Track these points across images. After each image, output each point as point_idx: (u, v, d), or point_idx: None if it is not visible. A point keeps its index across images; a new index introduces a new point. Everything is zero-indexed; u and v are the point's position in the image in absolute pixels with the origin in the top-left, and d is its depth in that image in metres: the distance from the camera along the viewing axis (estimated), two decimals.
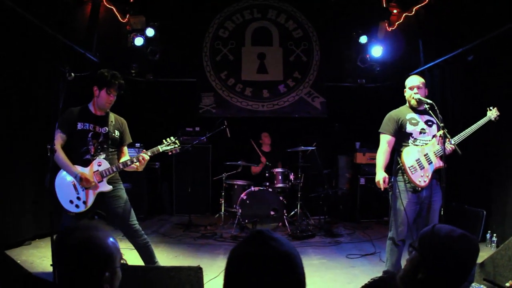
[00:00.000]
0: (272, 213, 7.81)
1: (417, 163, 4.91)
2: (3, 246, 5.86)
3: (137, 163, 4.76)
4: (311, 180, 9.33)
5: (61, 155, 4.53)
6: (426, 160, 4.93)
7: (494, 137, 6.80)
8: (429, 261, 2.04)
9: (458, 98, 7.84)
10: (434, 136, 5.06)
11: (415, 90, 5.07)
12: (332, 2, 10.39)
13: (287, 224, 8.00)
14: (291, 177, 8.39)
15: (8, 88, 6.17)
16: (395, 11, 9.83)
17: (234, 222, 7.97)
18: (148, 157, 4.79)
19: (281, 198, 7.97)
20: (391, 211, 5.12)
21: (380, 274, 5.15)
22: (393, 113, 5.19)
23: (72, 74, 4.50)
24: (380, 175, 4.93)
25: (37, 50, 6.76)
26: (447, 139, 4.86)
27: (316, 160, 8.54)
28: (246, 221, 7.75)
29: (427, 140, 5.03)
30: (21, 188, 6.47)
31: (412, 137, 5.03)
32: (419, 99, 5.02)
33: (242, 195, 7.90)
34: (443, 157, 4.70)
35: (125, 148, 5.08)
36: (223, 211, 8.51)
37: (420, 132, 5.04)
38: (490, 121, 5.16)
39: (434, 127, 5.08)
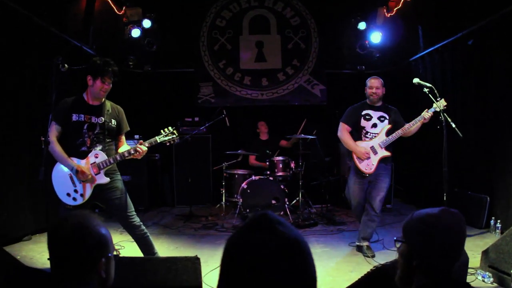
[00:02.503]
0: (273, 202, 7.75)
1: None
2: (2, 242, 5.83)
3: (135, 154, 4.69)
4: (312, 168, 9.26)
5: (56, 147, 4.47)
6: (372, 151, 5.92)
7: (497, 122, 6.73)
8: (418, 246, 1.98)
9: (459, 83, 7.76)
10: (382, 129, 5.96)
11: (372, 90, 6.00)
12: None
13: (288, 213, 7.93)
14: (292, 165, 8.30)
15: (1, 82, 6.09)
16: None
17: (235, 212, 7.91)
18: (146, 149, 4.71)
19: (282, 186, 7.91)
20: (346, 187, 6.36)
21: (383, 261, 5.10)
22: (353, 107, 6.22)
23: (66, 65, 4.44)
24: (362, 148, 5.91)
25: (32, 44, 6.69)
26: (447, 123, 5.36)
27: (316, 148, 8.48)
28: (248, 210, 7.70)
29: (376, 133, 5.98)
30: (18, 182, 6.41)
31: (365, 130, 6.02)
32: (418, 82, 5.69)
33: (243, 185, 7.84)
34: (444, 144, 5.18)
35: (123, 137, 5.02)
36: (224, 201, 8.43)
37: (372, 126, 6.00)
38: (435, 112, 5.69)
39: (385, 122, 5.99)
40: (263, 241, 1.22)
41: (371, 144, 5.92)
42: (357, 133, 6.05)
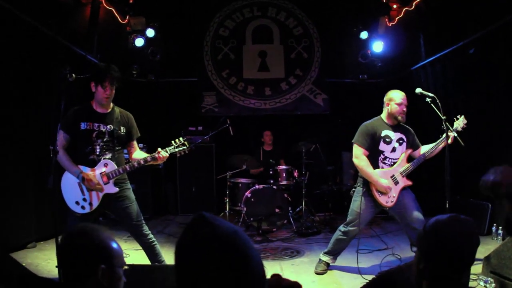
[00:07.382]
0: (277, 210, 7.80)
1: None
2: (7, 249, 5.86)
3: (152, 161, 4.71)
4: (315, 177, 9.29)
5: (63, 155, 4.50)
6: (393, 181, 5.09)
7: (499, 130, 6.77)
8: (424, 250, 2.04)
9: (460, 92, 7.81)
10: (401, 154, 5.19)
11: (404, 107, 5.14)
12: None
13: (292, 221, 7.99)
14: (295, 174, 8.37)
15: (9, 90, 6.16)
16: (395, 6, 9.79)
17: (239, 220, 7.93)
18: (167, 155, 4.72)
19: (285, 195, 7.97)
20: (349, 210, 5.39)
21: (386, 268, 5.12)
22: (369, 126, 5.22)
23: (73, 75, 4.47)
24: (384, 181, 5.02)
25: (38, 52, 6.75)
26: (449, 130, 4.96)
27: (320, 157, 8.53)
28: (251, 219, 7.74)
29: (395, 159, 5.17)
30: (23, 190, 6.46)
31: (383, 155, 5.15)
32: (420, 92, 5.03)
33: (246, 193, 7.89)
34: (446, 152, 4.82)
35: (135, 143, 5.01)
36: (227, 209, 8.46)
37: (391, 151, 5.15)
38: (458, 131, 5.14)
39: (404, 145, 5.20)
40: (198, 233, 1.44)
41: (392, 173, 5.09)
42: (373, 158, 5.12)
